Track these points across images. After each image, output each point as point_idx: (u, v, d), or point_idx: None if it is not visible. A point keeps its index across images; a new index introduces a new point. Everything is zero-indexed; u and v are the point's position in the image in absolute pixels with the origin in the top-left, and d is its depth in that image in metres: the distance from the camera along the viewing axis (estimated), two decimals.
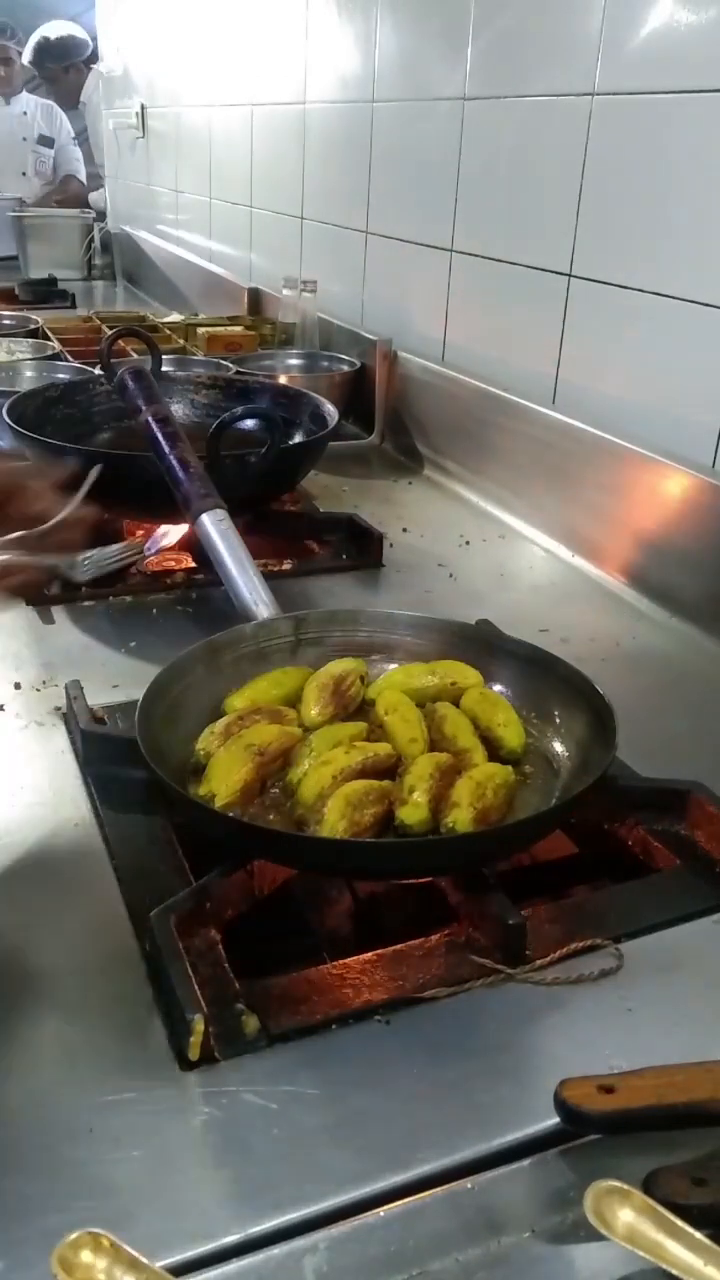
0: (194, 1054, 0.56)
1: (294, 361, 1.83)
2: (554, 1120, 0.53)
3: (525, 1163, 0.52)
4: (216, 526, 0.97)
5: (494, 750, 0.77)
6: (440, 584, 1.21)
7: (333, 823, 0.67)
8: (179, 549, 1.18)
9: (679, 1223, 0.45)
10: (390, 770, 0.75)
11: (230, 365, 1.70)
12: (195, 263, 2.67)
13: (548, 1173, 0.51)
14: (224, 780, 0.71)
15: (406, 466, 1.63)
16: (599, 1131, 0.53)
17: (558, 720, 0.81)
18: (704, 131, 1.10)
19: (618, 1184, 0.46)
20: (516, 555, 1.31)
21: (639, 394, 1.25)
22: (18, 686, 0.94)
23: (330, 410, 1.31)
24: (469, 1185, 0.51)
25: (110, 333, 1.46)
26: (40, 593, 1.07)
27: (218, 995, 0.60)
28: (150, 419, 1.10)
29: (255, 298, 2.27)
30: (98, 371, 1.48)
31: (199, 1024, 0.56)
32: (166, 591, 1.14)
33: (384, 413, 1.70)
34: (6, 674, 0.96)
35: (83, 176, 4.26)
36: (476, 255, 1.53)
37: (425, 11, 1.59)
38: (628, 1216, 0.45)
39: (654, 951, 0.66)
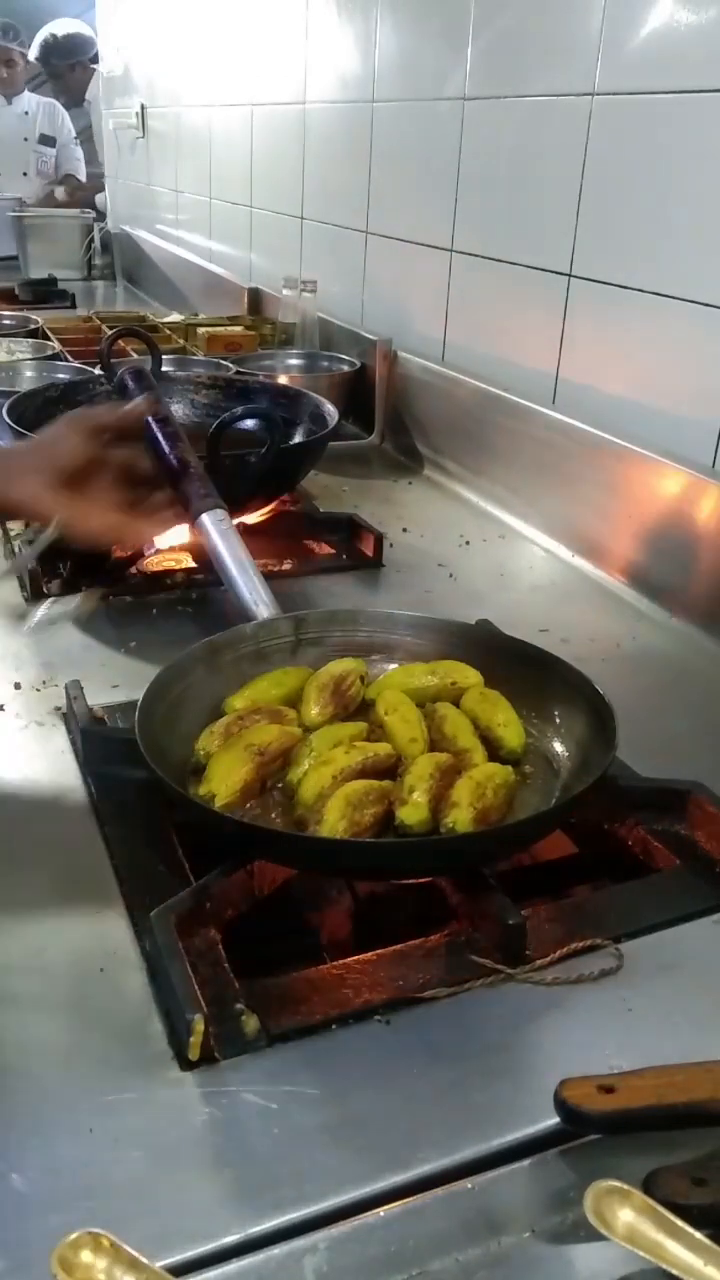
0: (194, 1054, 0.56)
1: (294, 361, 1.83)
2: (554, 1120, 0.53)
3: (525, 1163, 0.52)
4: (216, 526, 0.97)
5: (494, 750, 0.77)
6: (440, 584, 1.21)
7: (333, 823, 0.67)
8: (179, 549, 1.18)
9: (679, 1223, 0.45)
10: (390, 770, 0.75)
11: (230, 365, 1.70)
12: (195, 263, 2.67)
13: (548, 1173, 0.51)
14: (224, 780, 0.71)
15: (406, 466, 1.63)
16: (599, 1131, 0.53)
17: (558, 720, 0.81)
18: (704, 131, 1.10)
19: (618, 1184, 0.46)
20: (516, 555, 1.31)
21: (639, 394, 1.25)
22: (18, 686, 0.94)
23: (330, 410, 1.31)
24: (469, 1185, 0.50)
25: (110, 333, 1.46)
26: (41, 592, 1.07)
27: (218, 995, 0.60)
28: (150, 419, 1.10)
29: (255, 298, 2.27)
30: (98, 371, 1.48)
31: (199, 1024, 0.56)
32: (166, 591, 1.14)
33: (384, 413, 1.70)
34: (6, 674, 0.96)
35: (83, 176, 4.25)
36: (476, 255, 1.53)
37: (425, 11, 1.58)
38: (628, 1216, 0.45)
39: (654, 951, 0.66)
